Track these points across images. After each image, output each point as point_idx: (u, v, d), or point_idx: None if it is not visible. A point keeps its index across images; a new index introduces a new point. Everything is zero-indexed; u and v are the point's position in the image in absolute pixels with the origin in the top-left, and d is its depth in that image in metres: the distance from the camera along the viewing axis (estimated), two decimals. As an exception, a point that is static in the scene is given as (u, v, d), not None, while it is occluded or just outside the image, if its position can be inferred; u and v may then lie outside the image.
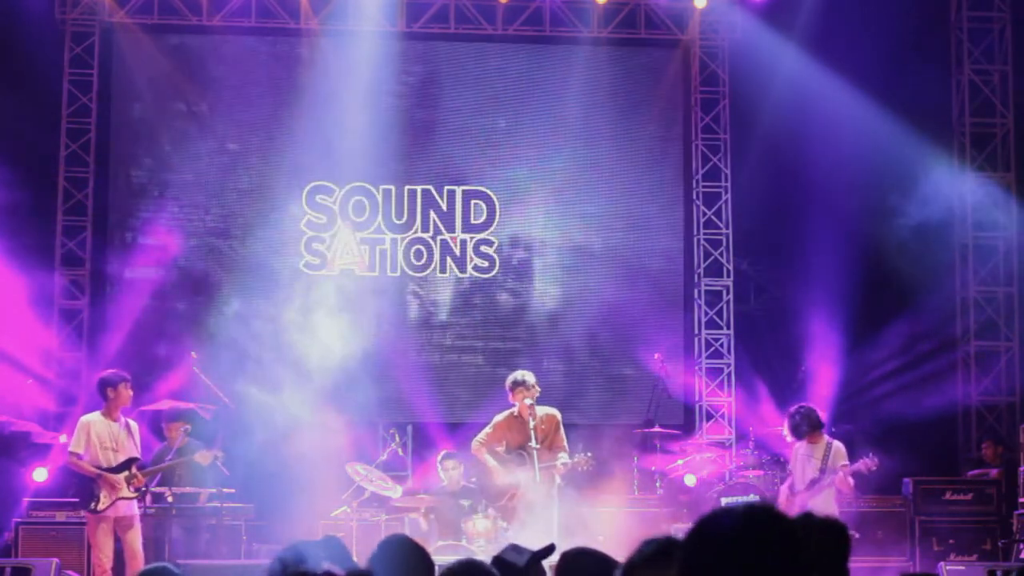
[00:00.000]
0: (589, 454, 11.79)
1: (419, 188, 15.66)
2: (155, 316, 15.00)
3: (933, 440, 14.55)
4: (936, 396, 14.97)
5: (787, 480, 12.34)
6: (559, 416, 12.03)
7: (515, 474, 11.75)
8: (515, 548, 4.37)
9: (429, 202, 15.68)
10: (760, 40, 15.38)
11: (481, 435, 12.11)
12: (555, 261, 15.74)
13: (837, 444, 12.05)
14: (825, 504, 11.63)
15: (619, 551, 4.17)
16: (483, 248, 15.69)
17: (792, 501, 11.82)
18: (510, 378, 12.00)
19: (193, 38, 15.55)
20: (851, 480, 11.87)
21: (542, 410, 11.91)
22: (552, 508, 11.69)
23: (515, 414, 11.94)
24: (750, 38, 15.57)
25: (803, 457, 12.00)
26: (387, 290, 15.48)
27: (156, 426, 13.20)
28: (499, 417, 12.08)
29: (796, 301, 14.96)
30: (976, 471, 14.39)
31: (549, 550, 4.40)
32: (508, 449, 11.91)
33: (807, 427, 11.90)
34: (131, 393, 11.51)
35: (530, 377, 11.93)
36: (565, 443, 11.91)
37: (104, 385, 11.48)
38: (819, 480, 11.79)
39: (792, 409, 12.12)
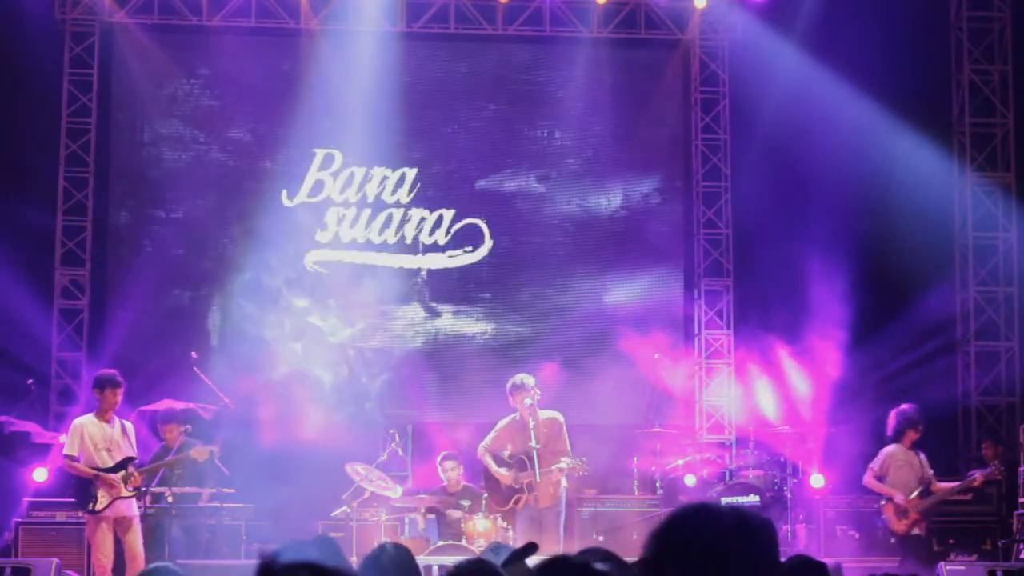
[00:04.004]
0: (584, 459, 11.77)
1: (418, 188, 15.66)
2: (155, 316, 15.01)
3: (933, 440, 14.51)
4: (936, 396, 14.95)
5: (871, 481, 12.22)
6: (562, 419, 11.99)
7: (519, 479, 11.74)
8: (494, 548, 4.37)
9: (429, 203, 15.69)
10: (760, 40, 15.38)
11: (486, 440, 12.11)
12: (555, 261, 15.74)
13: (922, 453, 12.15)
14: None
15: (618, 551, 4.17)
16: (484, 248, 15.69)
17: (907, 506, 11.83)
18: (509, 382, 11.98)
19: (193, 38, 15.56)
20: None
21: (544, 413, 11.90)
22: (556, 511, 11.68)
23: (517, 418, 11.93)
24: (750, 38, 15.57)
25: (903, 463, 12.03)
26: (387, 291, 15.48)
27: (156, 426, 13.19)
28: (503, 422, 12.07)
29: (795, 301, 14.94)
30: (976, 471, 14.38)
31: (530, 549, 4.39)
32: (513, 453, 11.89)
33: (921, 424, 11.96)
34: (117, 399, 11.40)
35: (529, 380, 11.91)
36: (568, 447, 11.87)
37: (93, 385, 11.52)
38: (930, 486, 11.89)
39: (909, 407, 12.10)
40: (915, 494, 11.97)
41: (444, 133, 15.88)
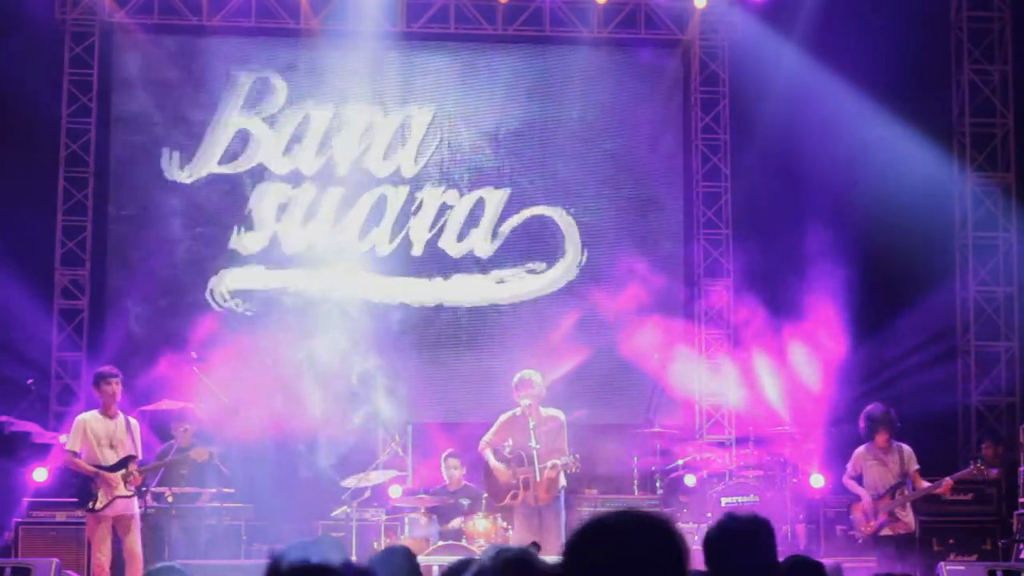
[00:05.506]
0: (576, 456, 11.77)
1: (419, 189, 15.62)
2: (155, 316, 15.00)
3: (933, 440, 14.54)
4: (936, 396, 14.97)
5: (848, 482, 12.24)
6: (563, 418, 11.98)
7: (516, 474, 11.76)
8: (496, 549, 4.36)
9: (430, 203, 15.65)
10: (760, 40, 15.40)
11: (487, 434, 12.12)
12: (495, 248, 15.58)
13: (907, 447, 12.09)
14: (905, 510, 11.88)
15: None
16: (483, 247, 15.66)
17: (876, 507, 11.83)
18: (516, 376, 12.00)
19: (193, 38, 15.55)
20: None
21: (547, 411, 11.91)
22: (556, 509, 11.69)
23: (517, 413, 11.94)
24: (750, 38, 15.58)
25: (875, 461, 12.01)
26: (388, 290, 15.44)
27: (156, 426, 13.20)
28: (503, 416, 12.09)
29: (795, 301, 14.95)
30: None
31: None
32: (513, 448, 11.91)
33: (887, 424, 11.92)
34: (115, 389, 11.30)
35: (535, 377, 11.89)
36: (566, 446, 11.87)
37: (92, 382, 11.52)
38: (904, 486, 11.85)
39: (872, 407, 12.08)
40: (884, 493, 11.92)
41: (443, 133, 15.78)
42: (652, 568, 2.77)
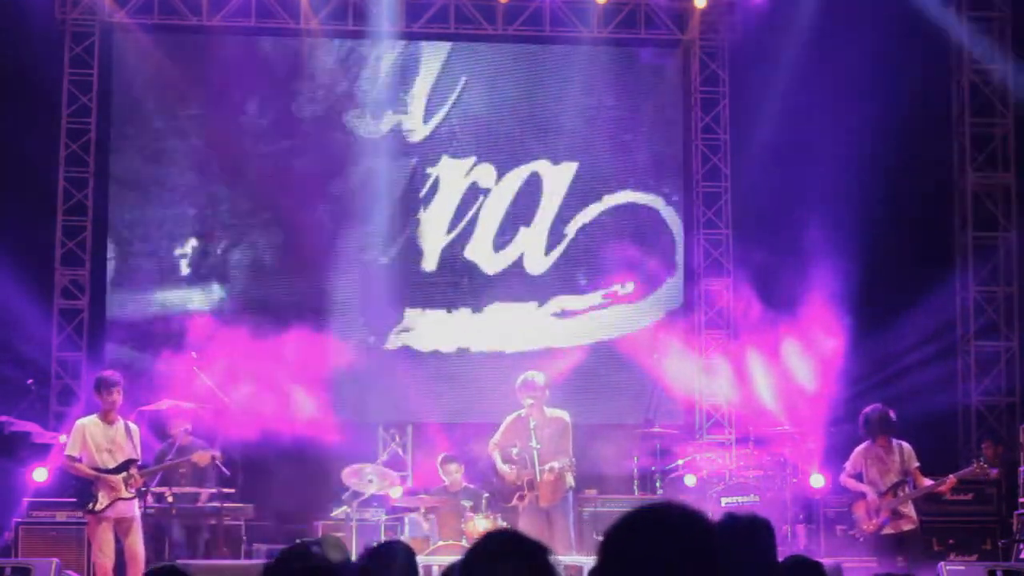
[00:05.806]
0: (572, 460, 11.77)
1: (432, 162, 15.46)
2: (155, 316, 15.00)
3: (933, 440, 14.54)
4: (936, 396, 14.97)
5: (847, 480, 12.21)
6: (567, 419, 11.96)
7: (520, 476, 11.75)
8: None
9: (451, 183, 15.56)
10: (760, 40, 15.42)
11: (495, 436, 12.12)
12: (554, 261, 15.70)
13: (907, 445, 12.07)
14: (907, 506, 11.85)
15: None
16: (483, 248, 15.63)
17: (880, 504, 11.82)
18: (519, 378, 11.98)
19: (193, 38, 15.56)
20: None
21: (552, 412, 11.90)
22: (563, 510, 11.67)
23: (522, 414, 11.94)
24: (750, 38, 15.60)
25: (875, 459, 11.99)
26: (378, 328, 15.33)
27: (156, 426, 13.20)
28: (508, 418, 12.08)
29: (795, 301, 14.95)
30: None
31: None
32: (520, 451, 11.91)
33: (885, 427, 11.90)
34: (116, 398, 11.24)
35: (538, 378, 11.87)
36: (569, 448, 11.87)
37: (94, 387, 11.50)
38: (906, 483, 11.83)
39: (870, 409, 12.07)
40: (886, 491, 11.91)
41: (443, 133, 15.75)
42: (689, 563, 2.74)
